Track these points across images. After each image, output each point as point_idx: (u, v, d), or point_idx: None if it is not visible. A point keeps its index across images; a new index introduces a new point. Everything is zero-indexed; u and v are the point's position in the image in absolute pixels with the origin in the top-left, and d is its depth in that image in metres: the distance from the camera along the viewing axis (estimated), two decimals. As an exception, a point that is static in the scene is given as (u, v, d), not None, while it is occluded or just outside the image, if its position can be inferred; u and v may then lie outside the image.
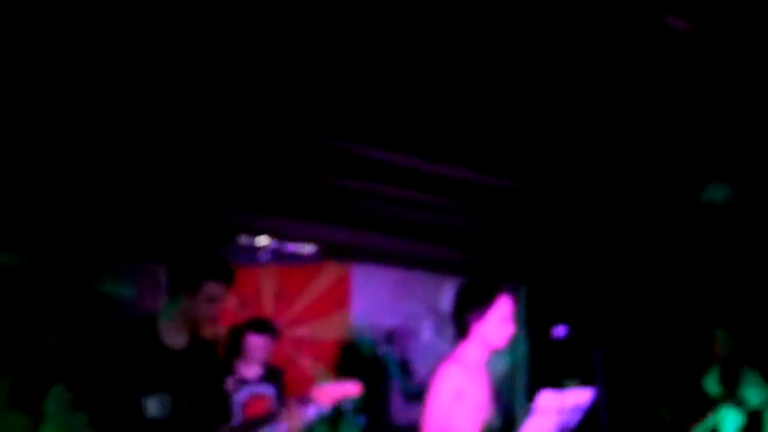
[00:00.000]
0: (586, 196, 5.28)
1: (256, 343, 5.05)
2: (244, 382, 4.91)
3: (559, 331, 3.66)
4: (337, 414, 5.81)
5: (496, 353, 3.73)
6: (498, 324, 3.64)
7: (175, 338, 3.27)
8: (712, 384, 4.74)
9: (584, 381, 3.49)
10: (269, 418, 3.46)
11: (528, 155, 4.89)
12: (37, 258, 5.00)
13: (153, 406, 3.14)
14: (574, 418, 3.46)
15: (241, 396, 4.88)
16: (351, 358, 6.14)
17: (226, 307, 5.72)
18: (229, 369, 4.86)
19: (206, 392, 3.36)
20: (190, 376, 3.28)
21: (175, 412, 3.19)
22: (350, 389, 3.57)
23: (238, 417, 4.72)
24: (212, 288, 3.24)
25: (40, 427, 3.33)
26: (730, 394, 4.73)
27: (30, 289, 4.86)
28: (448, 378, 3.55)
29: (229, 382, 4.76)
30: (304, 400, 3.54)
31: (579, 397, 3.42)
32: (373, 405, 6.25)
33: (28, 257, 5.01)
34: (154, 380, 3.16)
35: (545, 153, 4.85)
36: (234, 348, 5.16)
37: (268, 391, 5.05)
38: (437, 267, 6.79)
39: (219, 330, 5.50)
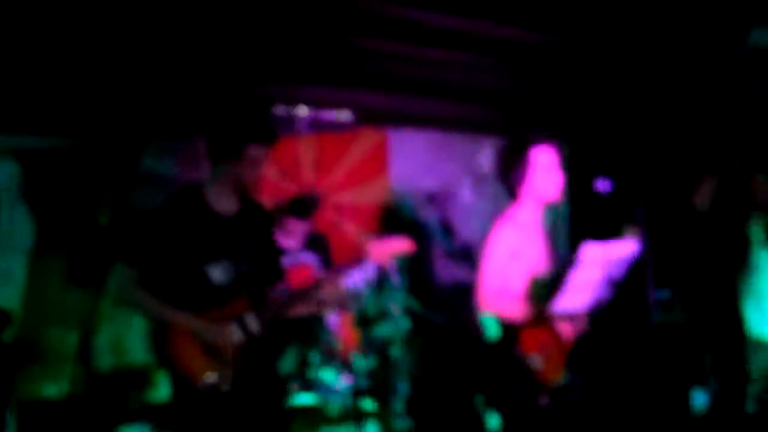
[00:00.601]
0: (625, 49, 5.14)
1: (296, 227, 5.10)
2: (284, 251, 4.95)
3: (602, 185, 3.63)
4: (382, 278, 5.93)
5: (551, 207, 3.74)
6: (543, 177, 3.64)
7: (225, 205, 3.29)
8: (757, 233, 4.68)
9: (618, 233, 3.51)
10: (315, 286, 3.50)
11: (564, 9, 4.73)
12: (83, 139, 5.05)
13: (217, 274, 3.20)
14: (620, 271, 3.50)
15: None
16: (393, 222, 6.19)
17: (267, 178, 5.84)
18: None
19: (265, 256, 3.42)
20: (248, 241, 3.33)
21: (238, 278, 3.26)
22: (401, 245, 3.60)
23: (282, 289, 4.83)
24: (255, 151, 3.22)
25: (100, 302, 3.41)
26: None
27: (78, 170, 4.93)
28: (503, 239, 3.61)
29: None
30: (355, 262, 3.58)
31: (623, 249, 3.45)
32: (416, 266, 6.36)
33: (75, 139, 5.06)
34: (214, 248, 3.20)
35: (581, 6, 4.69)
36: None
37: (310, 258, 5.14)
38: (474, 127, 6.74)
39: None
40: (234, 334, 3.17)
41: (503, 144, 3.86)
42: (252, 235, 3.35)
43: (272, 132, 3.30)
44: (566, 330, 3.54)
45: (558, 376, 3.54)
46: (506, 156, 3.78)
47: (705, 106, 4.75)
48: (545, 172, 3.66)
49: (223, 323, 3.16)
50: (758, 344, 4.51)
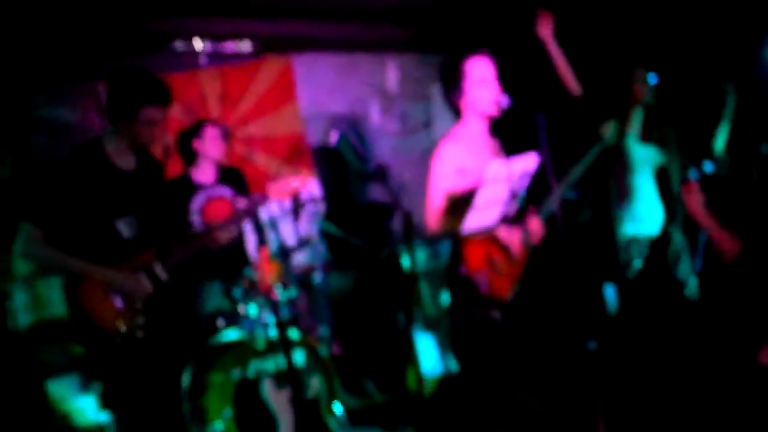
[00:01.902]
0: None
1: (212, 134, 5.01)
2: (199, 186, 4.91)
3: (503, 101, 3.66)
4: (296, 206, 5.93)
5: (494, 120, 3.74)
6: (478, 89, 3.64)
7: (124, 161, 3.36)
8: (634, 127, 4.83)
9: (530, 147, 3.55)
10: (232, 219, 3.60)
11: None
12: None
13: (124, 228, 3.30)
14: (523, 184, 3.56)
15: (198, 200, 4.90)
16: (304, 149, 6.18)
17: (171, 116, 5.70)
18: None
19: (165, 206, 3.47)
20: (148, 193, 3.40)
21: (144, 230, 3.35)
22: (303, 180, 3.68)
23: (197, 222, 4.82)
24: (150, 113, 3.29)
25: (12, 266, 3.40)
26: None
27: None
28: (447, 157, 3.62)
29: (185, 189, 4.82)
30: (261, 198, 3.66)
31: (525, 163, 3.50)
32: (331, 191, 6.39)
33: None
34: (119, 203, 3.27)
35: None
36: (185, 153, 5.15)
37: (225, 192, 5.09)
38: (378, 47, 6.70)
39: (169, 141, 5.48)
40: (144, 283, 3.30)
41: (440, 62, 3.83)
42: (151, 188, 3.43)
43: (166, 93, 3.38)
44: (516, 245, 3.60)
45: (509, 292, 3.61)
46: (444, 73, 3.76)
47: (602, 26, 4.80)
48: (479, 84, 3.65)
49: (134, 273, 3.28)
50: (630, 240, 4.74)
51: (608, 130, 4.58)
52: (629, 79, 4.77)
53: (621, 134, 4.78)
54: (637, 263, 4.74)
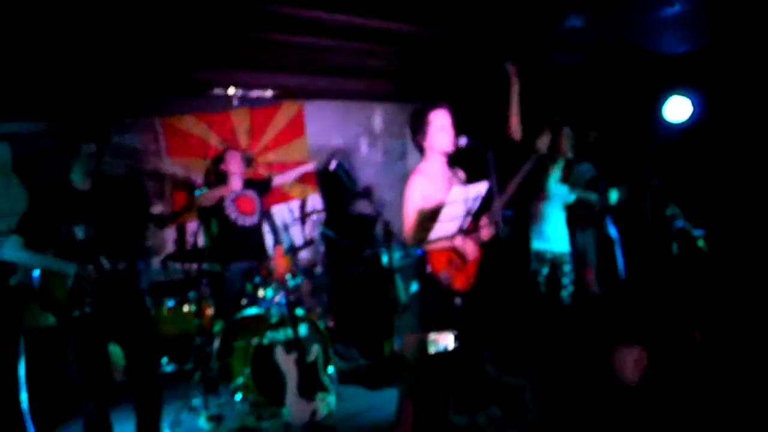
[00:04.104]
0: (473, 36, 5.18)
1: (232, 157, 5.21)
2: (232, 191, 5.07)
3: (462, 140, 3.70)
4: (304, 215, 5.99)
5: (449, 157, 3.78)
6: (438, 134, 3.68)
7: (83, 183, 3.40)
8: (556, 172, 4.92)
9: (480, 176, 3.59)
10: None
11: (437, 7, 4.71)
12: (61, 122, 4.84)
13: (79, 232, 3.34)
14: (476, 204, 3.61)
15: (230, 198, 5.07)
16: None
17: (211, 145, 5.74)
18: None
19: (120, 215, 3.52)
20: (103, 205, 3.44)
21: (96, 232, 3.38)
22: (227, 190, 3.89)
23: (232, 210, 5.04)
24: (88, 148, 3.34)
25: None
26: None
27: (59, 148, 4.75)
28: (415, 187, 3.64)
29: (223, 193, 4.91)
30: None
31: (478, 188, 3.55)
32: (330, 205, 6.43)
33: (54, 122, 4.88)
34: (74, 214, 3.33)
35: (450, 5, 4.68)
36: (216, 174, 5.25)
37: (248, 193, 5.27)
38: (368, 97, 6.75)
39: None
40: (94, 272, 3.34)
41: (411, 112, 3.86)
42: (103, 201, 3.46)
43: (101, 131, 3.40)
44: (470, 250, 3.65)
45: (467, 284, 3.66)
46: (413, 121, 3.77)
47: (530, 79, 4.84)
48: (441, 130, 3.68)
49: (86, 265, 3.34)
50: (537, 254, 4.82)
51: (542, 141, 4.63)
52: (557, 134, 4.85)
53: (545, 173, 4.86)
54: (545, 270, 4.83)
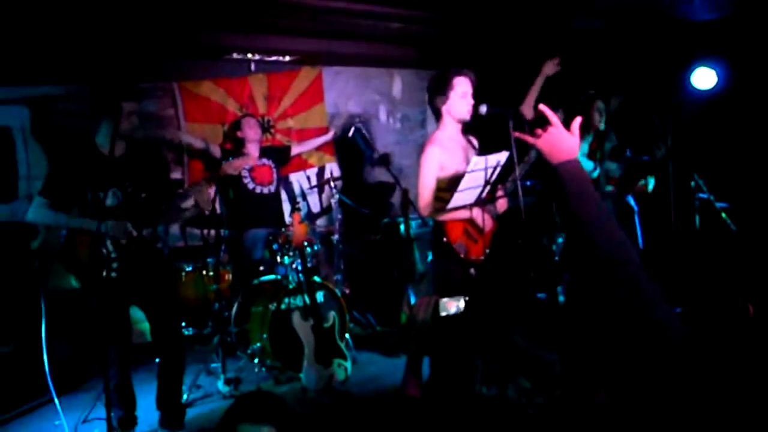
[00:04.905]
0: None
1: (249, 124, 5.19)
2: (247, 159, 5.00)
3: (483, 108, 3.63)
4: (321, 182, 5.93)
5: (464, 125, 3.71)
6: (459, 99, 3.61)
7: (111, 147, 3.33)
8: (584, 146, 4.80)
9: (495, 146, 3.52)
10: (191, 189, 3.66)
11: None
12: (79, 86, 4.82)
13: (109, 198, 3.34)
14: (495, 174, 3.55)
15: (247, 168, 5.06)
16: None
17: (228, 111, 5.69)
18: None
19: (146, 183, 3.50)
20: (130, 172, 3.42)
21: (124, 199, 3.39)
22: (247, 161, 3.89)
23: (248, 180, 5.09)
24: (129, 106, 3.32)
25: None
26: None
27: (76, 111, 4.73)
28: (431, 157, 3.60)
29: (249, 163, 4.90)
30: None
31: (498, 157, 3.49)
32: (348, 172, 6.37)
33: (73, 86, 4.83)
34: (104, 181, 3.30)
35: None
36: (233, 140, 5.23)
37: (265, 162, 5.23)
38: (388, 63, 6.64)
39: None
40: (125, 228, 3.35)
41: (432, 75, 3.78)
42: (135, 168, 3.44)
43: (139, 90, 3.45)
44: (486, 221, 3.60)
45: (481, 255, 3.62)
46: (435, 83, 3.71)
47: (553, 45, 4.68)
48: (462, 96, 3.62)
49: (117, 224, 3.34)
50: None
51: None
52: (589, 108, 4.73)
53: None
54: (560, 240, 4.76)
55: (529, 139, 1.72)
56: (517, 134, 1.84)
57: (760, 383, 1.33)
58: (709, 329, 1.57)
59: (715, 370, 1.34)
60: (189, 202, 3.65)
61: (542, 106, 1.78)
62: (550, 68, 4.21)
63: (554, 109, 4.34)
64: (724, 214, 4.39)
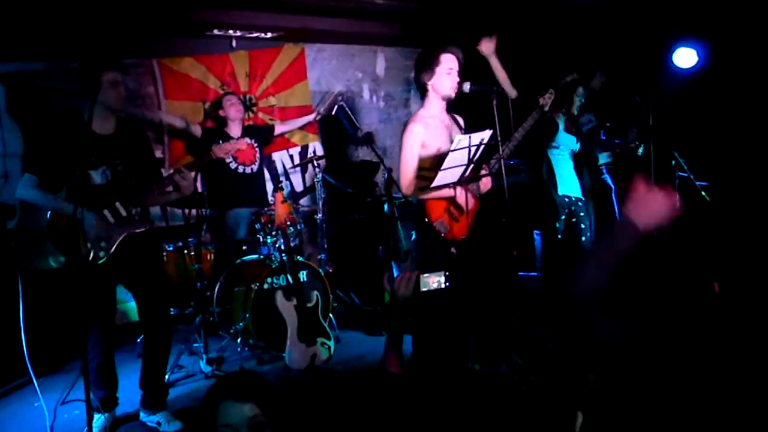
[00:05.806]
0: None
1: (230, 102, 5.16)
2: (228, 137, 4.93)
3: (466, 86, 3.59)
4: (305, 161, 5.87)
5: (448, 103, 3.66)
6: (444, 77, 3.57)
7: (102, 126, 3.29)
8: (561, 122, 4.78)
9: (480, 125, 3.48)
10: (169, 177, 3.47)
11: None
12: (55, 63, 4.69)
13: (97, 177, 3.26)
14: (479, 152, 3.51)
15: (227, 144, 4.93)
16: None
17: (210, 88, 5.58)
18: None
19: (135, 160, 3.41)
20: (120, 150, 3.33)
21: (113, 178, 3.30)
22: (238, 144, 3.73)
23: (232, 161, 5.09)
24: (111, 76, 3.22)
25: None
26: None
27: (53, 88, 4.60)
28: (413, 134, 3.55)
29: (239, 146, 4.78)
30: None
31: (481, 135, 3.45)
32: (331, 150, 6.30)
33: (48, 62, 4.72)
34: (92, 158, 3.23)
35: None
36: (215, 119, 5.17)
37: (250, 140, 5.15)
38: (371, 41, 6.54)
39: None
40: (104, 220, 3.27)
41: (421, 50, 3.72)
42: (123, 146, 3.35)
43: (120, 60, 3.31)
44: (468, 200, 3.56)
45: (463, 234, 3.59)
46: (422, 58, 3.65)
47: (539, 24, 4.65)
48: (448, 73, 3.57)
49: (101, 211, 3.27)
50: (560, 201, 4.72)
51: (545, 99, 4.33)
52: (570, 93, 4.70)
53: (555, 124, 4.74)
54: (562, 217, 4.74)
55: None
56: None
57: (726, 359, 1.34)
58: (676, 307, 1.57)
59: (682, 353, 1.36)
60: (170, 188, 3.55)
61: None
62: (486, 47, 4.08)
63: (561, 86, 4.24)
64: (703, 193, 4.40)
